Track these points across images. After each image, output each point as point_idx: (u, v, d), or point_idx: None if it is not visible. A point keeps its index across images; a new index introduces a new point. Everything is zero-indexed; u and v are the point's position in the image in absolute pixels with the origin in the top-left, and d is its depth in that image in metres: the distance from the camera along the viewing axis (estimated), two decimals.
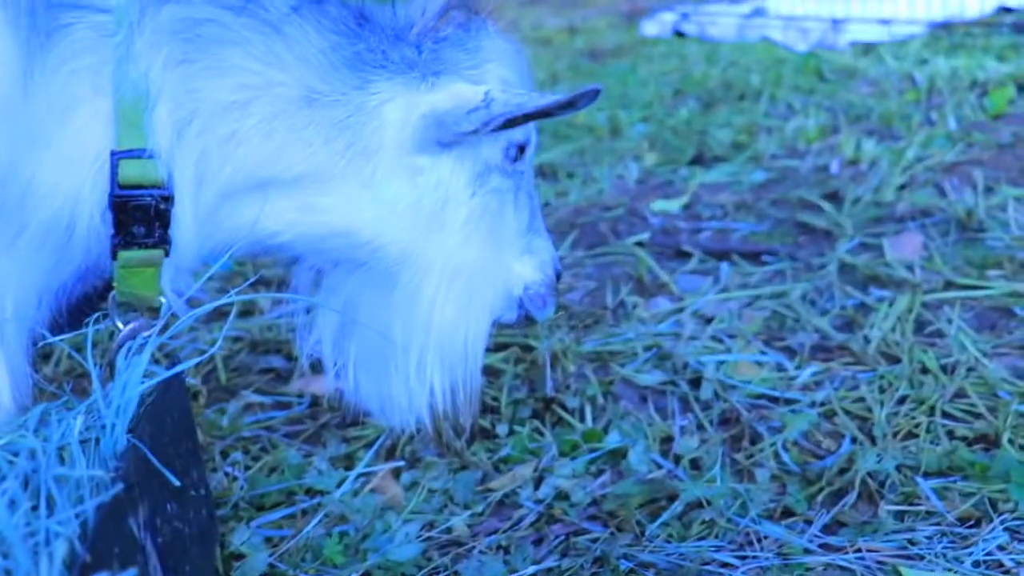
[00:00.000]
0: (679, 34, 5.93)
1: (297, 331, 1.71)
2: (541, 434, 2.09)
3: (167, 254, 1.45)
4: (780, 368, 2.33)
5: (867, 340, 2.40)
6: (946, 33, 5.24)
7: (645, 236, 3.16)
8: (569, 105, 1.47)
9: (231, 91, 1.41)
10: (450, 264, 1.55)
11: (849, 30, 5.44)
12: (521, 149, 1.62)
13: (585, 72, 5.40)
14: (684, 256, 3.03)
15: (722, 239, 3.15)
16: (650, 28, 6.10)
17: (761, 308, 2.65)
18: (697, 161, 3.87)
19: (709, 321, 2.59)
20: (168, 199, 1.39)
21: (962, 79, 4.48)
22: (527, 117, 1.49)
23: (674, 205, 3.45)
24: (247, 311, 2.75)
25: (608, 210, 3.45)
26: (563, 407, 2.17)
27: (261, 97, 1.42)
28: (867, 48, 5.26)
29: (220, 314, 2.75)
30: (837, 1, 5.63)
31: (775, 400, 2.20)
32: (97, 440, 1.28)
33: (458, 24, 1.62)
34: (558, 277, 1.74)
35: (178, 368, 1.43)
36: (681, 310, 2.65)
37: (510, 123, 1.49)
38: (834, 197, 3.34)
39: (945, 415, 2.08)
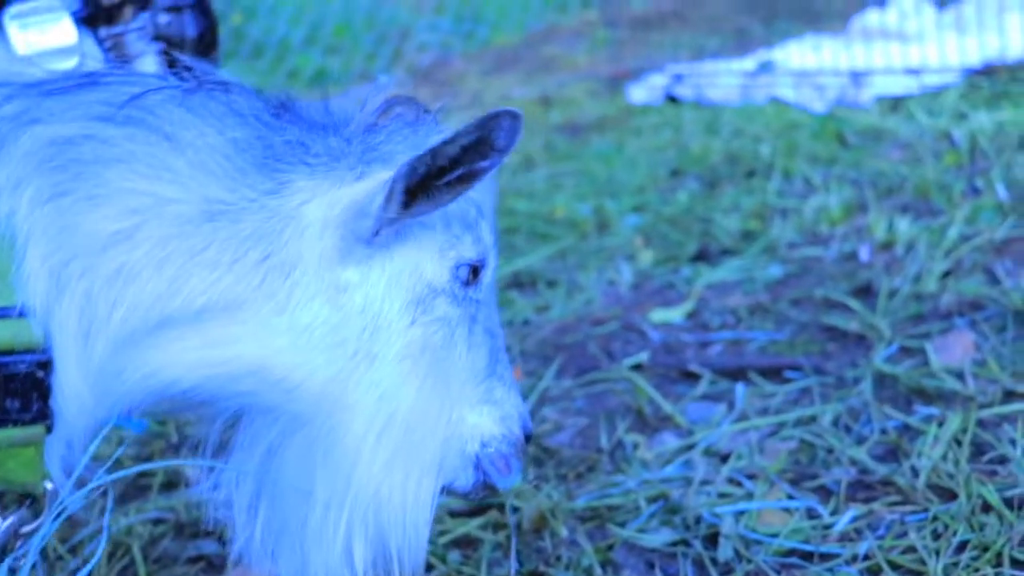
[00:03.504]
0: (672, 99, 6.04)
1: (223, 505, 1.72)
2: None
3: (50, 430, 1.46)
4: (812, 514, 2.34)
5: (915, 472, 2.41)
6: (987, 80, 5.36)
7: (644, 357, 3.18)
8: (480, 142, 1.50)
9: (114, 220, 1.44)
10: (381, 409, 1.57)
11: (873, 83, 5.55)
12: (475, 271, 1.65)
13: (563, 153, 5.48)
14: (691, 378, 3.06)
15: (736, 354, 3.18)
16: (638, 94, 6.20)
17: (786, 438, 2.66)
18: (701, 257, 3.92)
19: (724, 459, 2.60)
20: (46, 364, 1.41)
21: (1009, 135, 4.57)
22: (430, 172, 1.50)
23: (676, 314, 3.49)
24: (170, 483, 2.75)
25: (599, 325, 3.48)
26: None
27: (150, 221, 1.46)
28: (895, 104, 5.37)
29: (139, 487, 2.76)
30: (857, 51, 5.75)
31: (809, 556, 2.21)
32: None
33: (403, 121, 1.67)
34: (528, 438, 1.75)
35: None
36: (691, 447, 2.67)
37: (421, 190, 1.51)
38: (866, 292, 3.39)
39: (1015, 563, 2.08)
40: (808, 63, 5.91)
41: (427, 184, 1.53)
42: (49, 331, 1.43)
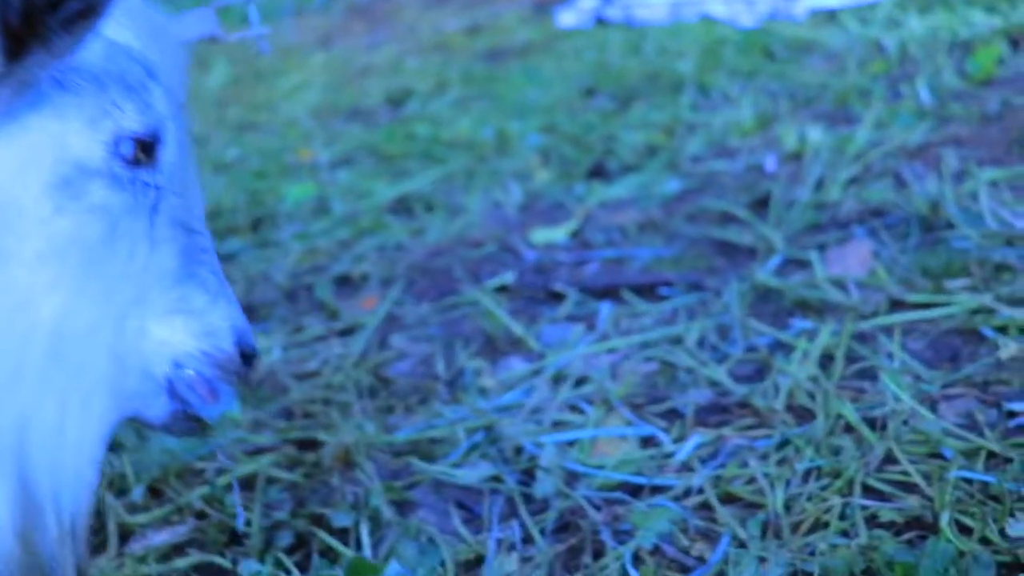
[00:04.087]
0: (601, 22, 5.66)
1: None
2: (289, 573, 1.75)
3: None
4: (654, 443, 2.01)
5: (776, 391, 2.08)
6: None
7: (509, 278, 2.84)
8: None
9: None
10: (19, 320, 1.22)
11: None
12: (146, 147, 1.30)
13: (479, 77, 5.12)
14: (558, 299, 2.72)
15: (613, 272, 2.84)
16: (567, 18, 5.84)
17: (646, 360, 2.33)
18: (597, 174, 3.57)
19: (579, 384, 2.27)
20: None
21: (941, 40, 4.20)
22: (32, 3, 1.14)
23: (560, 233, 3.14)
24: None
25: (476, 248, 3.14)
26: (330, 528, 1.84)
27: None
28: (830, 17, 5.00)
29: None
30: None
31: (638, 490, 1.88)
32: None
33: None
34: (248, 358, 1.41)
35: None
36: (538, 373, 2.33)
37: (30, 31, 1.15)
38: (765, 204, 3.04)
39: (867, 491, 1.75)
40: None
41: (35, 26, 1.17)
42: None
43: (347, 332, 2.71)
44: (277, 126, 4.86)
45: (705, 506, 1.80)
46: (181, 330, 1.34)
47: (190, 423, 1.39)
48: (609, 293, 2.68)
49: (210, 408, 1.37)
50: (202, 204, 1.43)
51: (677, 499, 1.82)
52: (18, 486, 1.27)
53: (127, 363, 1.31)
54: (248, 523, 1.89)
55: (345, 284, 3.03)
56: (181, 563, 1.82)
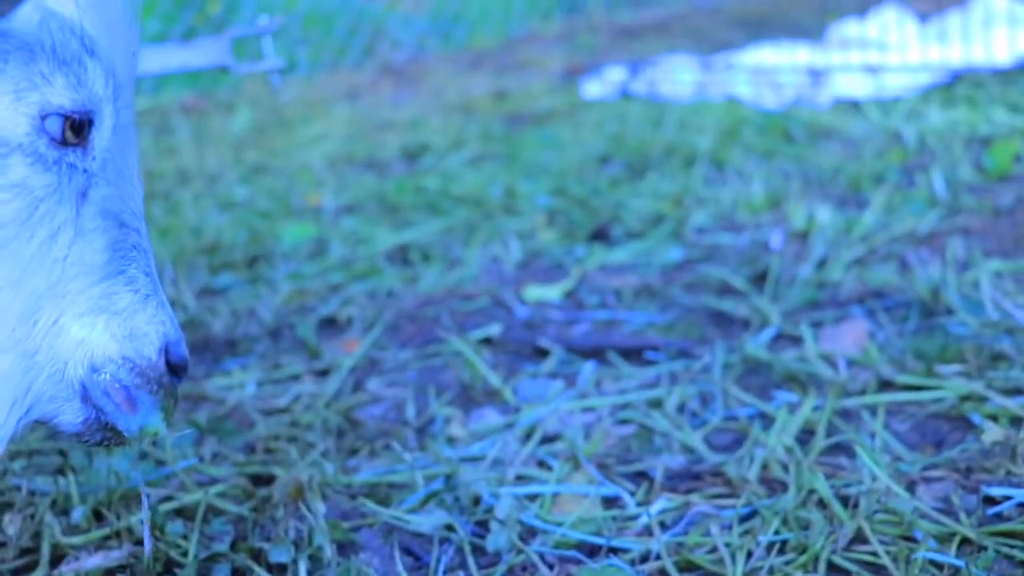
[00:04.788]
0: (626, 95, 5.63)
1: None
2: None
3: None
4: (617, 504, 1.91)
5: (751, 461, 1.98)
6: (952, 88, 4.92)
7: (495, 330, 2.76)
8: None
9: None
10: None
11: (834, 86, 5.12)
12: (76, 127, 1.23)
13: (496, 138, 5.07)
14: (543, 356, 2.63)
15: (602, 333, 2.76)
16: (592, 90, 5.80)
17: (624, 422, 2.24)
18: (599, 237, 3.49)
19: (551, 440, 2.18)
20: None
21: (960, 134, 4.13)
22: None
23: (553, 292, 3.06)
24: None
25: (467, 300, 3.07)
26: (268, 565, 1.74)
27: None
28: (854, 106, 4.94)
29: None
30: (830, 57, 5.33)
31: (596, 550, 1.78)
32: None
33: None
34: (175, 369, 1.32)
35: None
36: (511, 426, 2.24)
37: None
38: (765, 279, 2.95)
39: (833, 569, 1.65)
40: (769, 62, 5.49)
41: None
42: None
43: (324, 373, 2.63)
44: (290, 171, 4.81)
45: (661, 573, 1.70)
46: (101, 330, 1.26)
47: (104, 433, 1.30)
48: (595, 354, 2.59)
49: (127, 419, 1.28)
50: (140, 198, 1.35)
51: (633, 563, 1.72)
52: None
53: (36, 360, 1.22)
54: (184, 553, 1.79)
55: (330, 326, 2.96)
56: None
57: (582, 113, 5.54)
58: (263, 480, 2.07)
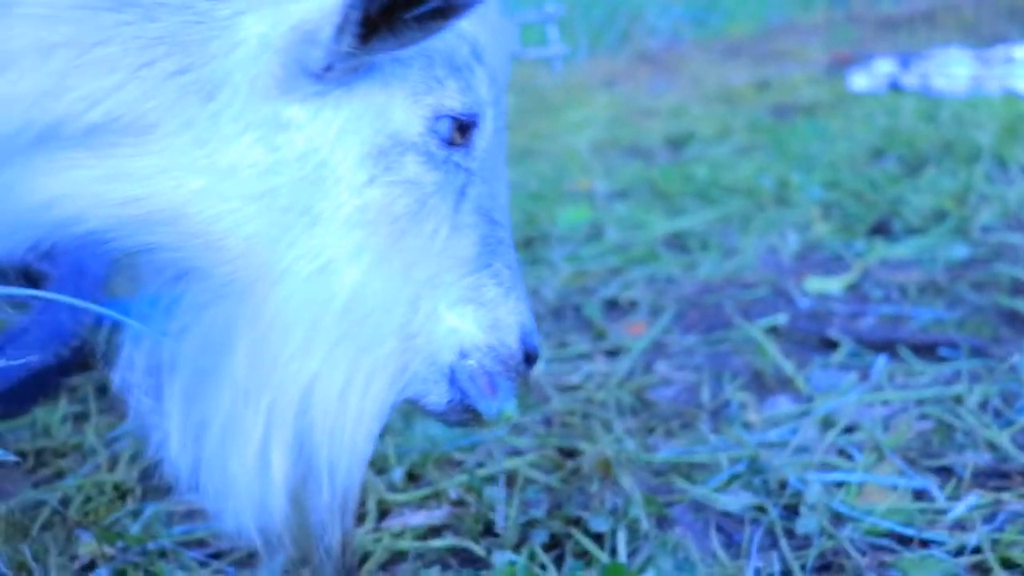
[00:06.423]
0: (895, 88, 5.53)
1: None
2: (544, 568, 1.75)
3: None
4: (925, 497, 1.92)
5: None
6: None
7: (782, 320, 2.78)
8: None
9: None
10: (320, 284, 1.24)
11: None
12: (462, 128, 1.32)
13: (763, 128, 5.06)
14: (831, 347, 2.64)
15: (889, 328, 2.75)
16: (859, 82, 5.72)
17: (922, 417, 2.24)
18: (879, 231, 3.47)
19: (849, 431, 2.20)
20: None
21: None
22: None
23: (835, 285, 3.06)
24: None
25: (746, 288, 3.10)
26: (587, 532, 1.83)
27: None
28: None
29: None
30: None
31: (907, 541, 1.80)
32: None
33: None
34: (530, 358, 1.41)
35: None
36: (806, 414, 2.27)
37: (384, 21, 1.19)
38: None
39: None
40: None
41: (391, 15, 1.20)
42: None
43: (612, 353, 2.70)
44: (557, 155, 4.92)
45: (981, 567, 1.71)
46: (471, 320, 1.34)
47: (466, 414, 1.38)
48: (886, 347, 2.59)
49: (487, 402, 1.37)
50: (506, 196, 1.43)
51: (950, 555, 1.73)
52: (297, 447, 1.28)
53: (415, 344, 1.31)
54: (506, 517, 1.89)
55: (613, 308, 3.03)
56: (437, 544, 1.84)
57: (850, 105, 5.48)
58: (567, 452, 2.16)
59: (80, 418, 2.44)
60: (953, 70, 5.48)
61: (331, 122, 1.24)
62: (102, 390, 2.51)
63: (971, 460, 2.01)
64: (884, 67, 5.77)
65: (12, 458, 1.33)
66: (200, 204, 1.23)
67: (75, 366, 2.55)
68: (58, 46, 1.17)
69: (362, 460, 1.31)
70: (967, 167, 4.04)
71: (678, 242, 3.56)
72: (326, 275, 1.24)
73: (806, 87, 6.09)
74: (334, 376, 1.27)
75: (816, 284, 3.07)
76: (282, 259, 1.23)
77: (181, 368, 1.34)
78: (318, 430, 1.28)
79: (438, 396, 1.36)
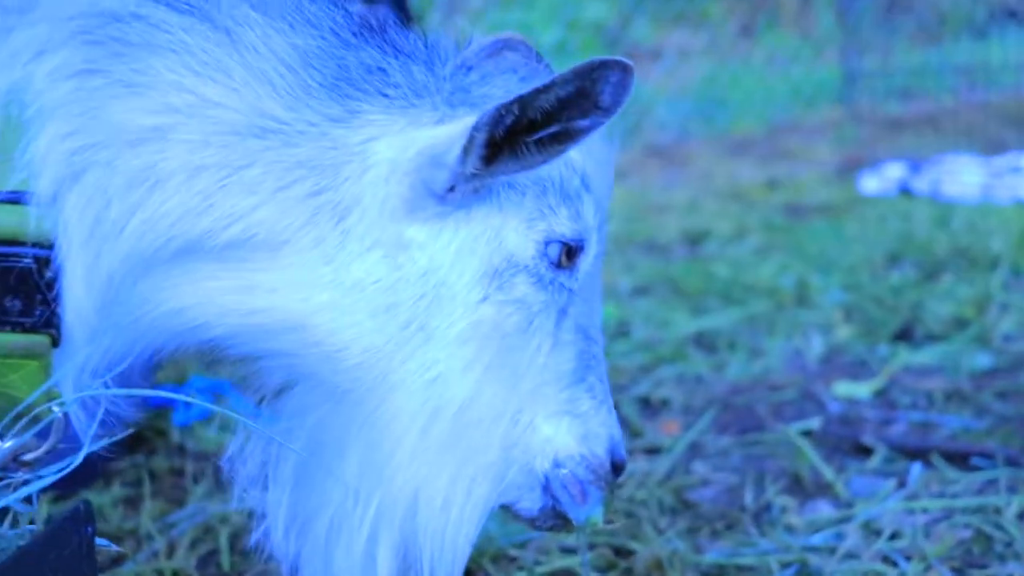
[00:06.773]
0: (906, 192, 5.65)
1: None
2: None
3: (56, 343, 1.28)
4: None
5: None
6: None
7: (815, 424, 2.85)
8: (580, 95, 1.24)
9: (149, 113, 1.24)
10: (431, 394, 1.32)
11: None
12: (569, 252, 1.40)
13: (779, 228, 5.17)
14: (865, 453, 2.71)
15: (921, 435, 2.82)
16: (869, 184, 5.84)
17: (961, 526, 2.29)
18: (903, 337, 3.55)
19: (891, 538, 2.26)
20: (48, 262, 1.23)
21: None
22: (518, 125, 1.26)
23: (863, 390, 3.14)
24: None
25: (775, 390, 3.17)
26: None
27: (190, 123, 1.25)
28: None
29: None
30: None
31: None
32: None
33: (508, 64, 1.45)
34: (617, 468, 1.48)
35: None
36: (847, 520, 2.33)
37: (507, 145, 1.28)
38: None
39: None
40: None
41: (514, 139, 1.29)
42: (56, 226, 1.25)
43: (651, 451, 2.77)
44: None
45: None
46: (566, 431, 1.41)
47: (556, 520, 1.45)
48: (919, 455, 2.65)
49: (578, 509, 1.43)
50: (600, 314, 1.52)
51: None
52: (400, 548, 1.36)
53: (513, 454, 1.38)
54: None
55: (646, 406, 3.10)
56: None
57: (861, 207, 5.60)
58: (617, 550, 2.21)
59: (131, 502, 2.48)
60: (964, 177, 5.61)
61: (451, 242, 1.32)
62: (152, 474, 2.56)
63: (1015, 571, 2.07)
64: (894, 171, 5.90)
65: (115, 548, 1.37)
66: (324, 316, 1.30)
67: (122, 449, 2.60)
68: (206, 168, 1.25)
69: (462, 561, 1.37)
70: (984, 275, 4.14)
71: (705, 341, 3.63)
72: (438, 386, 1.31)
73: (817, 188, 6.21)
74: (440, 481, 1.34)
75: (844, 389, 3.14)
76: (397, 371, 1.31)
77: (289, 464, 1.41)
78: (422, 531, 1.34)
79: (531, 502, 1.43)
